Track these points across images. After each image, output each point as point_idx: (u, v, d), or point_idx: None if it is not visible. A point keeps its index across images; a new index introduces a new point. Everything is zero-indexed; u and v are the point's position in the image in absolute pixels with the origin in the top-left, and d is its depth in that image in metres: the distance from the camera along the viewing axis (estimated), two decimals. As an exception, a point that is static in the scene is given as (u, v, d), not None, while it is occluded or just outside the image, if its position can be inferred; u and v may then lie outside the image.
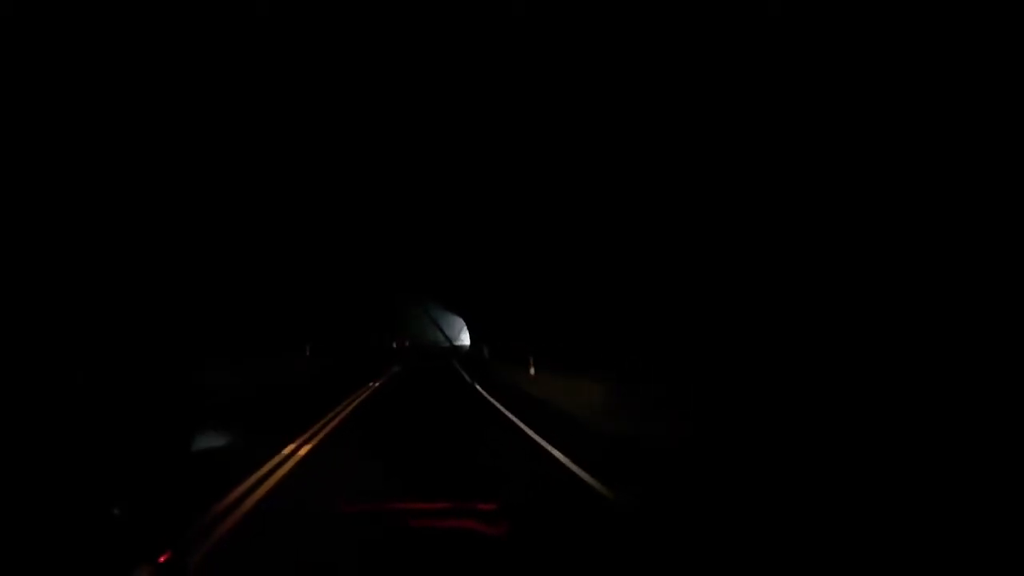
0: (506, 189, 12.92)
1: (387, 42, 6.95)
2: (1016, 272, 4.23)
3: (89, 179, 6.51)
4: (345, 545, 1.94)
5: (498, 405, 10.69)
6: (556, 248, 13.29)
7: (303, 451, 6.14)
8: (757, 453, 5.55)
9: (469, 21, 6.22)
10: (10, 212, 5.28)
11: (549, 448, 6.48)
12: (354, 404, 10.80)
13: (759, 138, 6.36)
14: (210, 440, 6.38)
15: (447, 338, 46.45)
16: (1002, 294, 4.31)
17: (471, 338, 44.85)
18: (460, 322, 49.25)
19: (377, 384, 15.49)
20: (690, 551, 3.37)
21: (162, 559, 2.06)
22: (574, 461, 5.76)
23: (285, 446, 6.25)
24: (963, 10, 4.54)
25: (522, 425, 8.26)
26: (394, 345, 43.92)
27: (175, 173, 8.15)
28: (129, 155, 7.04)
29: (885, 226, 5.33)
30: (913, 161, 5.09)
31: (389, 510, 2.47)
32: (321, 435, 7.25)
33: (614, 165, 8.16)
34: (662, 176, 7.63)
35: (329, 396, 11.62)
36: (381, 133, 11.18)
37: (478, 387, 14.57)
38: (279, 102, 8.57)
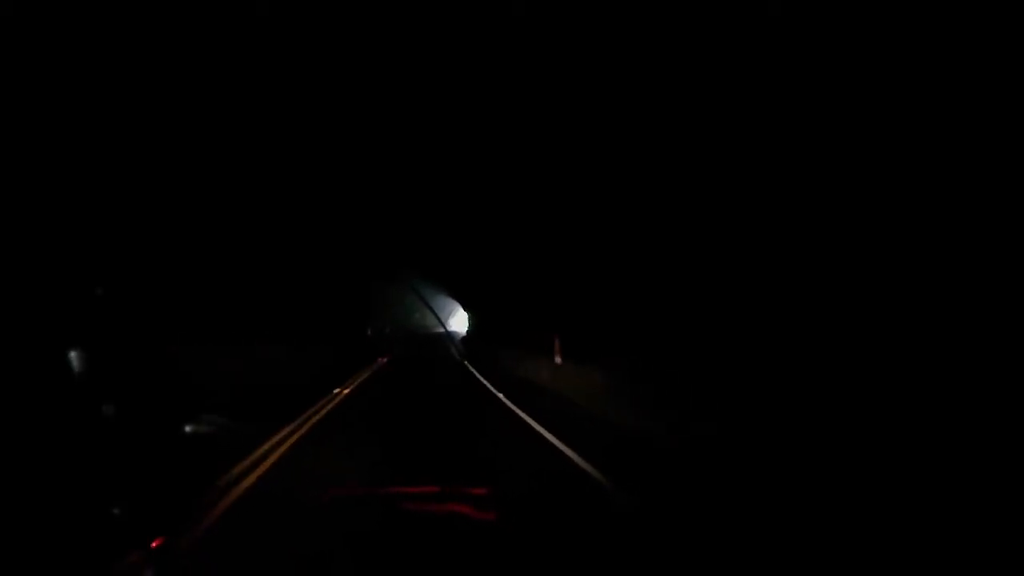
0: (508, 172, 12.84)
1: (383, 33, 7.09)
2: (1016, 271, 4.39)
3: (84, 175, 6.68)
4: (336, 529, 2.06)
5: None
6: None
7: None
8: (752, 447, 5.73)
9: (469, 19, 6.35)
10: (12, 209, 5.44)
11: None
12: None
13: (760, 138, 6.53)
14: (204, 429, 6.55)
15: (440, 321, 38.68)
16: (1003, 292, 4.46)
17: (471, 324, 37.34)
18: (452, 304, 43.73)
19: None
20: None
21: (154, 544, 2.17)
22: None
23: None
24: (963, 10, 4.67)
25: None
26: (368, 333, 35.82)
27: (151, 164, 8.21)
28: (116, 145, 7.20)
29: (887, 224, 5.47)
30: (913, 160, 5.24)
31: (380, 494, 2.51)
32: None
33: (624, 163, 8.31)
34: (667, 175, 7.79)
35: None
36: (365, 107, 11.16)
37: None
38: (272, 95, 8.67)
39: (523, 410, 9.60)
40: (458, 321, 47.00)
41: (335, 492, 2.71)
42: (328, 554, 1.85)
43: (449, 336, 35.92)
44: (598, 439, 7.33)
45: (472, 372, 16.43)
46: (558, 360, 12.74)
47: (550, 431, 7.86)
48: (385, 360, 20.40)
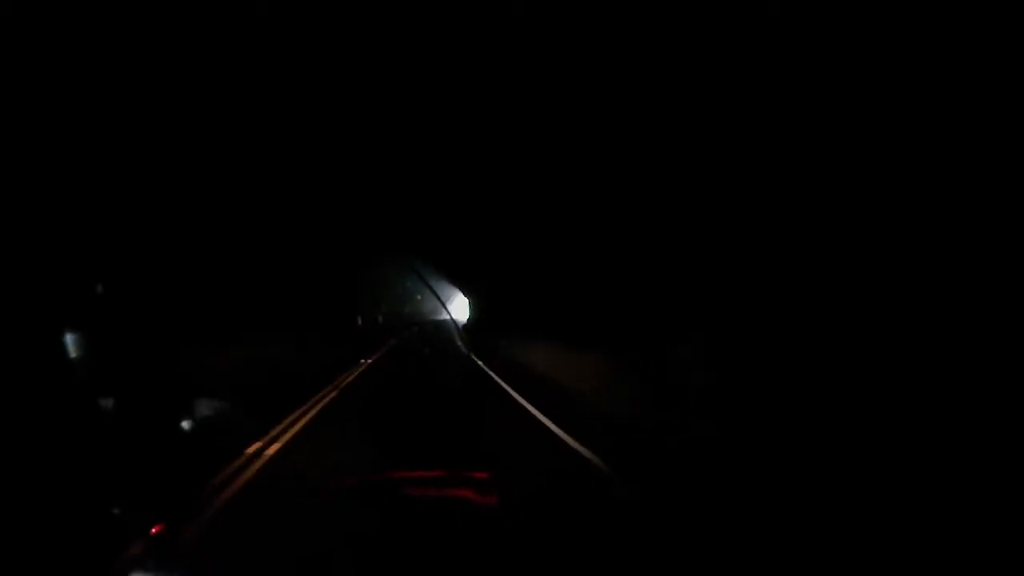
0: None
1: (384, 31, 7.15)
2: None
3: (83, 174, 6.77)
4: (343, 513, 2.12)
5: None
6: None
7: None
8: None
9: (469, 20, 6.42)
10: (12, 207, 5.55)
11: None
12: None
13: (756, 137, 6.60)
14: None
15: (444, 306, 36.87)
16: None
17: (472, 311, 35.19)
18: (449, 289, 41.58)
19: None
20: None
21: (154, 531, 2.26)
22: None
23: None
24: (963, 10, 4.73)
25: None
26: (359, 321, 31.81)
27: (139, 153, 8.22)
28: (115, 144, 7.28)
29: (888, 223, 5.55)
30: (915, 158, 5.31)
31: (385, 479, 2.49)
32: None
33: (631, 160, 8.34)
34: (665, 171, 7.84)
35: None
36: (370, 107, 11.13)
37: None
38: (269, 80, 8.70)
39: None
40: (457, 308, 45.42)
41: (343, 479, 2.76)
42: (341, 539, 1.90)
43: (455, 324, 29.83)
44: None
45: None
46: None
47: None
48: (370, 361, 16.17)
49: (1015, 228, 4.65)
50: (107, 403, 5.19)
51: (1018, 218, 4.59)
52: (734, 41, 6.11)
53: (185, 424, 5.55)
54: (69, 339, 5.55)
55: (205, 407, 6.65)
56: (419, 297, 45.85)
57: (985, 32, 4.55)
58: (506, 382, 11.86)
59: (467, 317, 37.57)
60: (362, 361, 15.72)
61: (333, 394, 10.51)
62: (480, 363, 14.95)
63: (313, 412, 8.69)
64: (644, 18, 6.12)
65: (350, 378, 12.73)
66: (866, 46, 5.40)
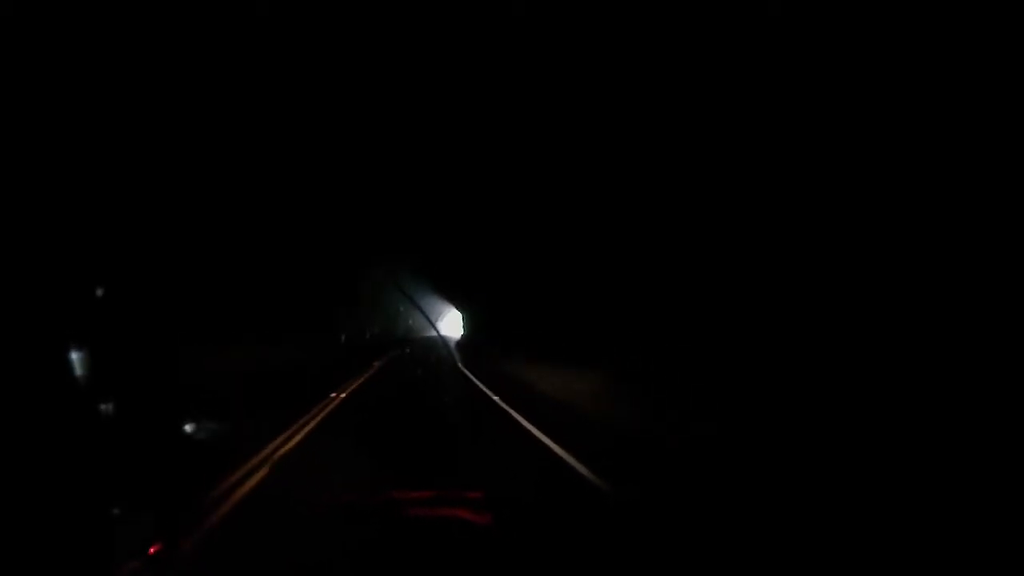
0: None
1: (382, 29, 7.21)
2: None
3: (83, 175, 6.76)
4: (338, 534, 2.11)
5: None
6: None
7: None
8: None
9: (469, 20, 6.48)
10: (12, 209, 5.52)
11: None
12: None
13: (758, 137, 6.66)
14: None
15: (432, 324, 32.52)
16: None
17: (467, 326, 34.31)
18: (445, 306, 41.49)
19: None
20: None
21: (152, 551, 2.22)
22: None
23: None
24: (963, 9, 4.80)
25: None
26: (342, 339, 29.97)
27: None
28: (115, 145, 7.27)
29: (885, 224, 5.59)
30: (912, 161, 5.36)
31: (379, 499, 2.49)
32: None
33: (616, 160, 8.40)
34: (662, 172, 7.90)
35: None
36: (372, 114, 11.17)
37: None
38: (267, 89, 8.74)
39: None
40: (450, 324, 45.39)
41: (337, 497, 2.67)
42: (335, 560, 1.88)
43: (444, 341, 28.14)
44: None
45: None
46: None
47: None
48: (344, 395, 12.59)
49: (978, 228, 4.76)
50: (107, 408, 5.10)
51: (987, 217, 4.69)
52: (733, 42, 6.20)
53: (188, 428, 5.47)
54: (75, 357, 5.49)
55: (203, 431, 6.61)
56: (411, 322, 45.77)
57: (984, 32, 4.64)
58: (504, 400, 11.41)
59: (460, 334, 37.22)
60: (332, 395, 12.42)
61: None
62: (476, 380, 14.45)
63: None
64: (643, 20, 6.21)
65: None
66: (859, 49, 5.50)
